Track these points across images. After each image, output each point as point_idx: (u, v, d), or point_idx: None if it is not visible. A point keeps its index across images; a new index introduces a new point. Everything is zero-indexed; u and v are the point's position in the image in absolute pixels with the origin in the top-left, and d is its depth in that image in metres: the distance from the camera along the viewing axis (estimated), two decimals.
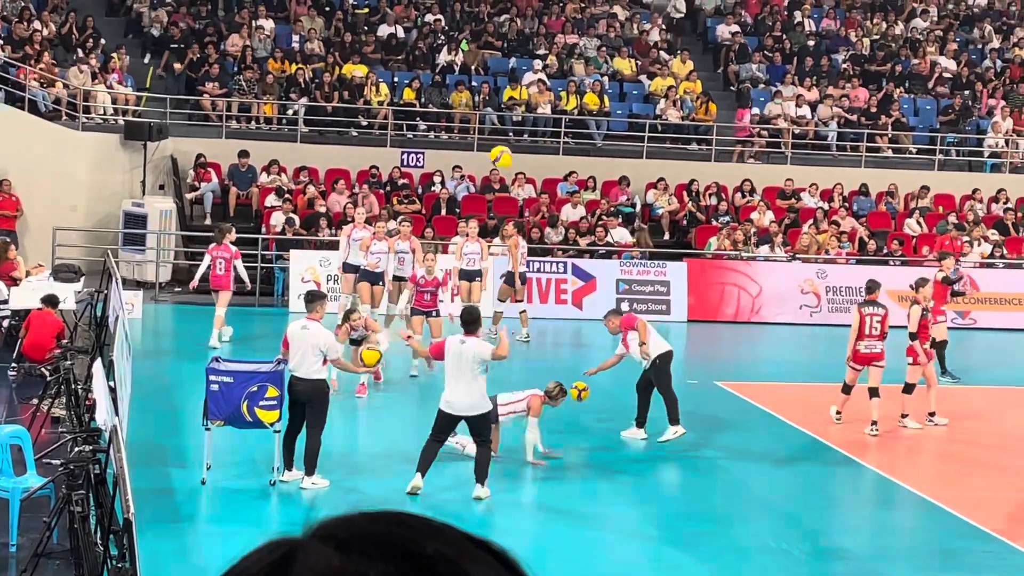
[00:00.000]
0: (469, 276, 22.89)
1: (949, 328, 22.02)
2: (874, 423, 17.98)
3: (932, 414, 18.66)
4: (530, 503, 14.65)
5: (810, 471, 16.85)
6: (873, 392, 18.04)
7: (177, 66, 30.13)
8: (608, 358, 17.42)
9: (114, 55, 29.67)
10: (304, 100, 30.06)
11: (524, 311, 23.66)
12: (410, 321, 19.95)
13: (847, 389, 18.41)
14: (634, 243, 27.99)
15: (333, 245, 24.77)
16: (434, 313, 20.13)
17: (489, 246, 23.96)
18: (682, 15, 35.76)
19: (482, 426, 14.16)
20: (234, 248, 22.31)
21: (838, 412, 18.54)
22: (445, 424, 14.21)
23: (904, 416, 18.58)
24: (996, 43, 36.84)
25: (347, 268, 22.55)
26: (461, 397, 14.00)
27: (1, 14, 30.45)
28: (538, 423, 15.73)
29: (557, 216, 28.13)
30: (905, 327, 18.90)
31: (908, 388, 18.57)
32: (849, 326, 18.90)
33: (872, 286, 19.00)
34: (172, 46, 30.63)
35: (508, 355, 14.77)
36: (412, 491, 14.09)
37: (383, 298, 21.92)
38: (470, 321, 14.31)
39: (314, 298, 14.98)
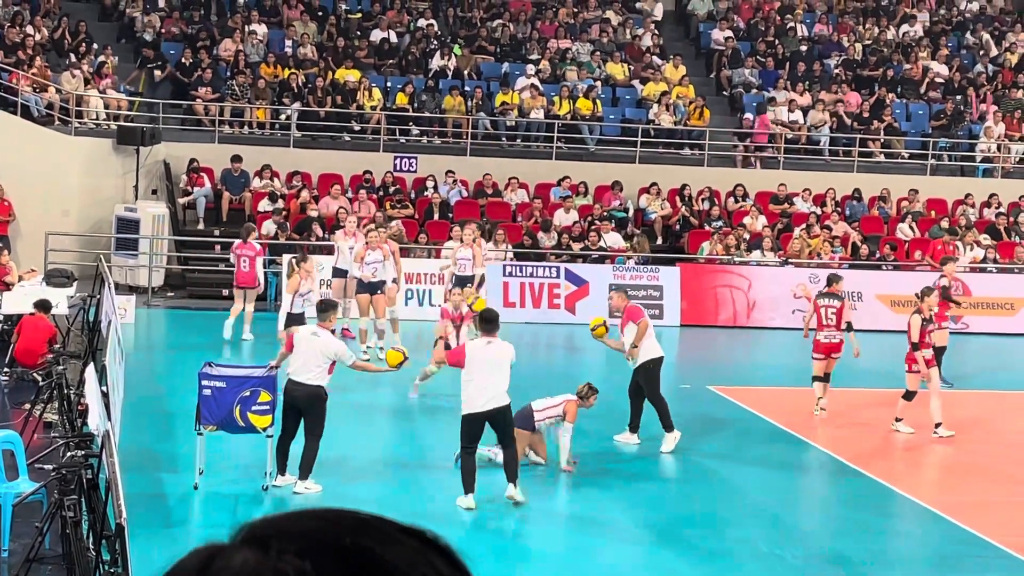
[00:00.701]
0: (462, 282, 22.79)
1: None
2: (820, 399, 19.24)
3: (938, 425, 18.36)
4: (522, 508, 14.63)
5: (802, 475, 16.86)
6: (824, 378, 19.31)
7: (158, 73, 30.07)
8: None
9: (102, 56, 29.67)
10: (297, 105, 30.06)
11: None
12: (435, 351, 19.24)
13: (817, 379, 19.35)
14: (628, 248, 28.01)
15: (327, 250, 24.77)
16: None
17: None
18: (658, 19, 35.61)
19: (506, 423, 14.05)
20: (258, 246, 23.19)
21: (820, 398, 19.31)
22: (475, 430, 14.05)
23: (898, 420, 18.57)
24: (989, 49, 36.89)
25: (336, 273, 22.58)
26: (488, 394, 13.79)
27: None
28: (573, 428, 15.66)
29: (550, 221, 28.14)
30: (904, 331, 18.89)
31: (908, 395, 18.45)
32: (843, 330, 19.12)
33: (832, 279, 19.84)
34: (150, 61, 30.61)
35: None
36: (467, 508, 14.04)
37: (385, 305, 21.98)
38: (491, 320, 14.28)
39: (327, 307, 14.91)
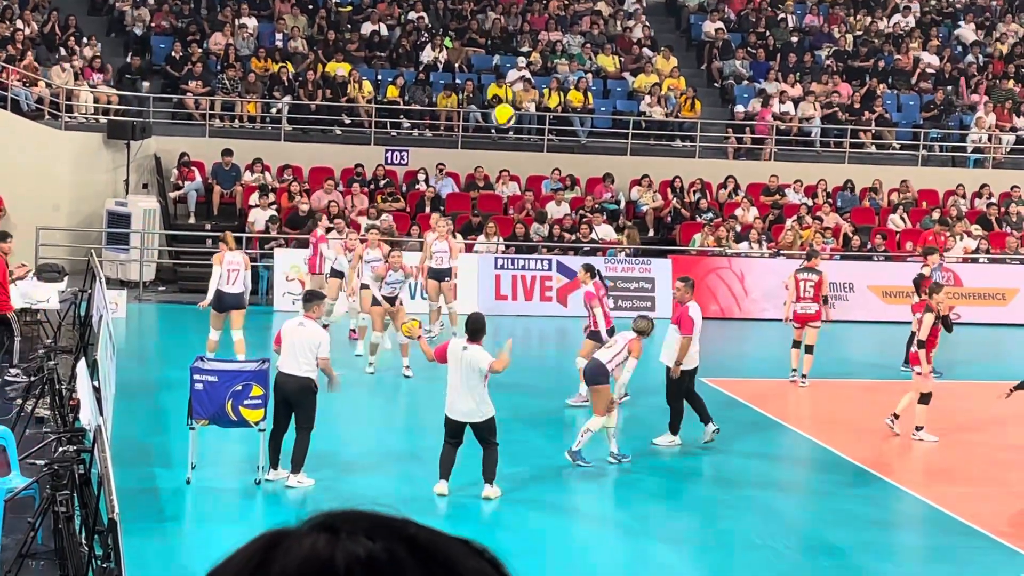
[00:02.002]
0: (438, 275, 22.61)
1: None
2: (794, 370, 20.57)
3: (919, 428, 18.01)
4: (519, 500, 14.63)
5: (794, 466, 16.88)
6: (808, 349, 20.50)
7: (136, 60, 29.93)
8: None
9: (87, 45, 29.62)
10: (288, 98, 30.01)
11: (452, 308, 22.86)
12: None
13: (796, 344, 20.77)
14: (619, 240, 28.00)
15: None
16: None
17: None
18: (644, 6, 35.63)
19: (486, 431, 14.10)
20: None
21: (793, 371, 20.65)
22: (453, 429, 14.17)
23: (919, 428, 17.96)
24: (979, 38, 36.93)
25: (334, 274, 22.49)
26: (461, 404, 13.98)
27: None
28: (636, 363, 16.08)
29: (545, 213, 28.13)
30: (903, 323, 18.79)
31: (924, 398, 17.87)
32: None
33: (811, 254, 21.40)
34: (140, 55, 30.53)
35: (504, 369, 14.22)
36: (440, 495, 14.15)
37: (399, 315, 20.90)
38: (475, 329, 14.22)
39: (312, 297, 14.99)
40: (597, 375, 15.79)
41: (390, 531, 1.25)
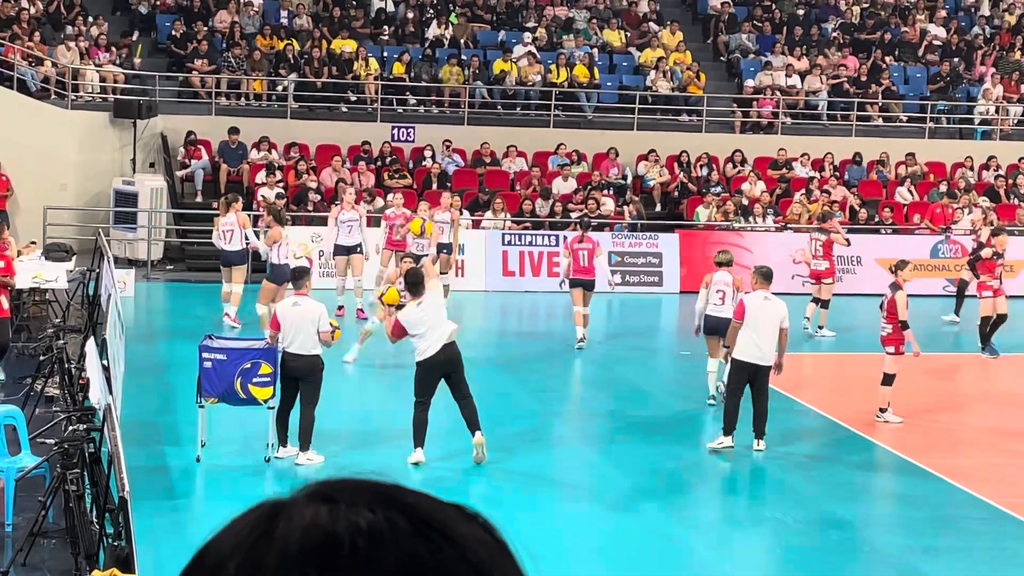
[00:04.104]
0: (438, 248, 22.41)
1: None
2: (807, 318, 22.24)
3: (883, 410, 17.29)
4: (520, 474, 14.67)
5: (801, 440, 16.89)
6: (823, 304, 22.45)
7: (130, 39, 29.91)
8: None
9: (93, 24, 29.60)
10: (293, 76, 29.98)
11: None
12: None
13: (814, 300, 22.72)
14: (620, 213, 27.91)
15: (326, 221, 24.76)
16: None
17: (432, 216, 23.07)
18: None
19: (460, 370, 14.26)
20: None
21: (807, 319, 22.26)
22: (431, 377, 14.24)
23: (883, 410, 17.18)
24: (986, 10, 36.80)
25: (338, 251, 22.55)
26: (437, 335, 14.08)
27: None
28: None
29: (549, 189, 28.11)
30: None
31: (887, 379, 17.09)
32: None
33: (825, 216, 23.60)
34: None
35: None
36: (415, 463, 14.21)
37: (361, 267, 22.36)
38: (415, 283, 14.34)
39: (301, 274, 15.07)
40: (720, 329, 16.80)
41: (388, 500, 1.27)
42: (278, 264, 20.44)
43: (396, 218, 22.64)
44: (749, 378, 15.38)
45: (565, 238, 20.27)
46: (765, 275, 16.01)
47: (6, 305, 16.95)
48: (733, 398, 15.53)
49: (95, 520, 10.61)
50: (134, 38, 30.21)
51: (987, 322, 21.31)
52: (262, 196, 25.42)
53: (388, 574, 1.22)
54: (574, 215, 26.00)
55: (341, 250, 22.51)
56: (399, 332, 14.34)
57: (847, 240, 23.69)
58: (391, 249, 22.23)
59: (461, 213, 24.82)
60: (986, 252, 21.82)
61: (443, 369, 14.19)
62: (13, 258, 17.96)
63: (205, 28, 30.42)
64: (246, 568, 1.23)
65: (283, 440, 14.45)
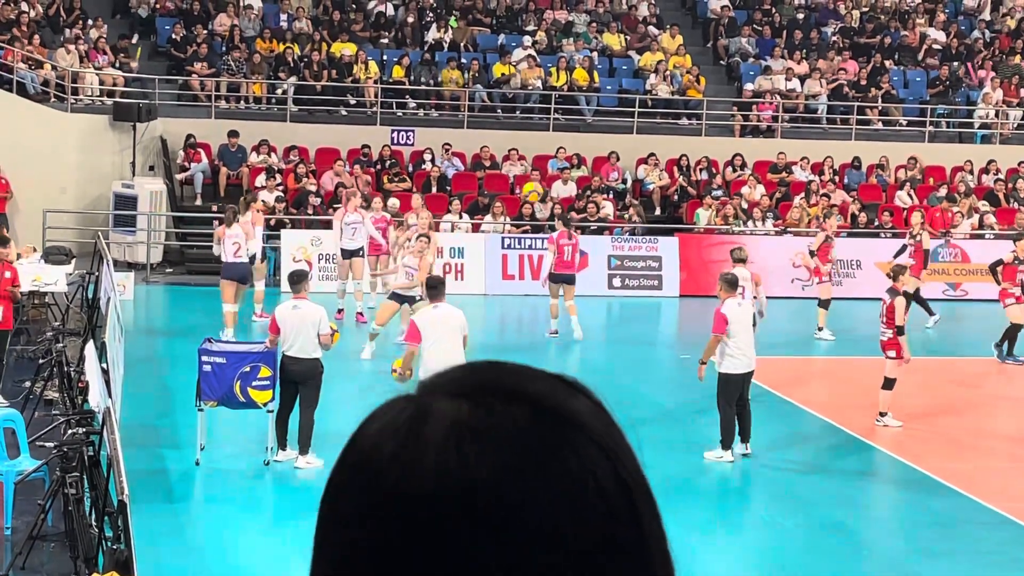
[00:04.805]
0: (350, 253, 22.63)
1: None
2: (820, 329, 22.48)
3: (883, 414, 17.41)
4: None
5: (801, 444, 16.87)
6: (821, 304, 22.80)
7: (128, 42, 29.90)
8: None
9: (93, 27, 29.60)
10: (293, 79, 29.99)
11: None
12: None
13: (821, 303, 22.98)
14: (620, 217, 27.91)
15: (326, 223, 24.76)
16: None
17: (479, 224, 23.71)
18: None
19: None
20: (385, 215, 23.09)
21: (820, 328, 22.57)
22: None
23: (883, 415, 17.35)
24: (986, 14, 36.82)
25: (345, 255, 22.53)
26: (448, 361, 13.84)
27: None
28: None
29: (547, 192, 28.10)
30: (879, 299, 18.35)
31: (888, 384, 17.19)
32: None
33: (828, 213, 24.56)
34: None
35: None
36: None
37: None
38: (434, 286, 14.39)
39: (299, 278, 15.01)
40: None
41: (515, 393, 1.28)
42: (229, 262, 20.47)
43: (379, 221, 22.71)
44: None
45: (551, 235, 20.65)
46: (730, 283, 15.59)
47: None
48: (729, 411, 15.41)
49: (94, 523, 10.59)
50: (133, 41, 30.21)
51: (1018, 329, 21.30)
52: (262, 200, 25.42)
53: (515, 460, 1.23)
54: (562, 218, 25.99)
55: (346, 253, 22.50)
56: (415, 336, 14.16)
57: (815, 263, 23.26)
58: (374, 255, 22.53)
59: (461, 217, 24.80)
60: (1007, 256, 21.76)
61: None
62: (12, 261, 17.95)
63: (205, 31, 30.42)
64: (405, 452, 1.27)
65: (282, 443, 14.44)
